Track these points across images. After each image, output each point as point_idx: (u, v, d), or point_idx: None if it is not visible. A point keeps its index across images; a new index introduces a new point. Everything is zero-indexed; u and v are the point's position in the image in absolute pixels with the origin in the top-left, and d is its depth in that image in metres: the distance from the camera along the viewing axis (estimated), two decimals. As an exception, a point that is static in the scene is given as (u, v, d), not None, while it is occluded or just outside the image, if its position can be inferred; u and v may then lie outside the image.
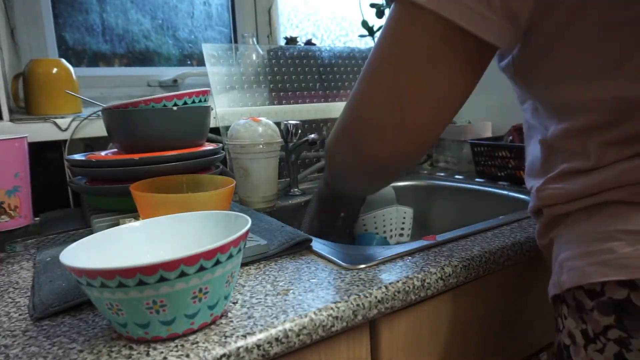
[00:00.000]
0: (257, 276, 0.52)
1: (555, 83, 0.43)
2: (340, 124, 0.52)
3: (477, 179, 1.07)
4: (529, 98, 0.49)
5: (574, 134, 0.43)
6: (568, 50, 0.40)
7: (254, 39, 1.13)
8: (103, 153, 0.76)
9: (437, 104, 0.43)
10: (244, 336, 0.39)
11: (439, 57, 0.41)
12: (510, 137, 1.05)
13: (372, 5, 1.43)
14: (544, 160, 0.48)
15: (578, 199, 0.44)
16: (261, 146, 0.82)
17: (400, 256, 0.57)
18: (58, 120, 0.85)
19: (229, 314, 0.43)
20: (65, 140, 0.86)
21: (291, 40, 1.27)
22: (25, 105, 0.91)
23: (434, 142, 0.50)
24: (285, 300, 0.46)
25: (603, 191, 0.41)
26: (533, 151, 0.51)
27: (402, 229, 0.96)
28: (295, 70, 1.15)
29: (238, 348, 0.39)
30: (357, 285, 0.48)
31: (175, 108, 0.69)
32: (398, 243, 0.91)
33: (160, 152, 0.68)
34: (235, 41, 1.31)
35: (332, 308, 0.44)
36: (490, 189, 0.99)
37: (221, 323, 0.42)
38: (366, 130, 0.47)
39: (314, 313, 0.43)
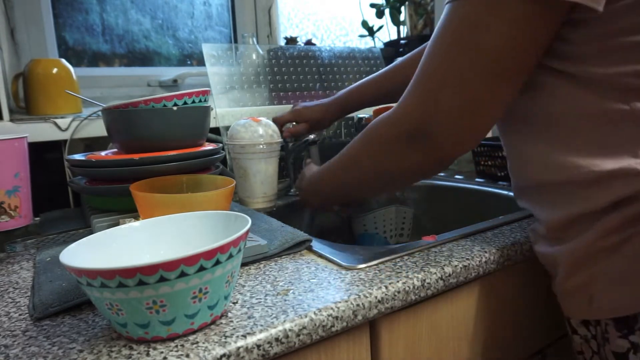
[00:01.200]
0: (257, 276, 0.52)
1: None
2: (393, 129, 0.54)
3: (477, 179, 1.07)
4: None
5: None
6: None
7: (254, 39, 1.13)
8: (103, 153, 0.76)
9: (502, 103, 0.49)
10: (244, 336, 0.39)
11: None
12: (510, 137, 1.05)
13: (372, 5, 1.43)
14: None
15: None
16: (261, 146, 0.82)
17: (400, 256, 0.57)
18: (58, 120, 0.85)
19: (229, 314, 0.43)
20: (65, 140, 0.86)
21: (291, 40, 1.27)
22: (25, 105, 0.91)
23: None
24: (285, 300, 0.46)
25: None
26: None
27: (402, 229, 0.96)
28: (295, 70, 1.15)
29: (238, 348, 0.39)
30: (357, 285, 0.48)
31: (175, 108, 0.69)
32: (398, 243, 0.91)
33: (160, 152, 0.68)
34: (235, 41, 1.31)
35: (332, 308, 0.44)
36: (490, 189, 0.99)
37: (221, 323, 0.42)
38: (439, 134, 0.50)
39: (314, 313, 0.43)
